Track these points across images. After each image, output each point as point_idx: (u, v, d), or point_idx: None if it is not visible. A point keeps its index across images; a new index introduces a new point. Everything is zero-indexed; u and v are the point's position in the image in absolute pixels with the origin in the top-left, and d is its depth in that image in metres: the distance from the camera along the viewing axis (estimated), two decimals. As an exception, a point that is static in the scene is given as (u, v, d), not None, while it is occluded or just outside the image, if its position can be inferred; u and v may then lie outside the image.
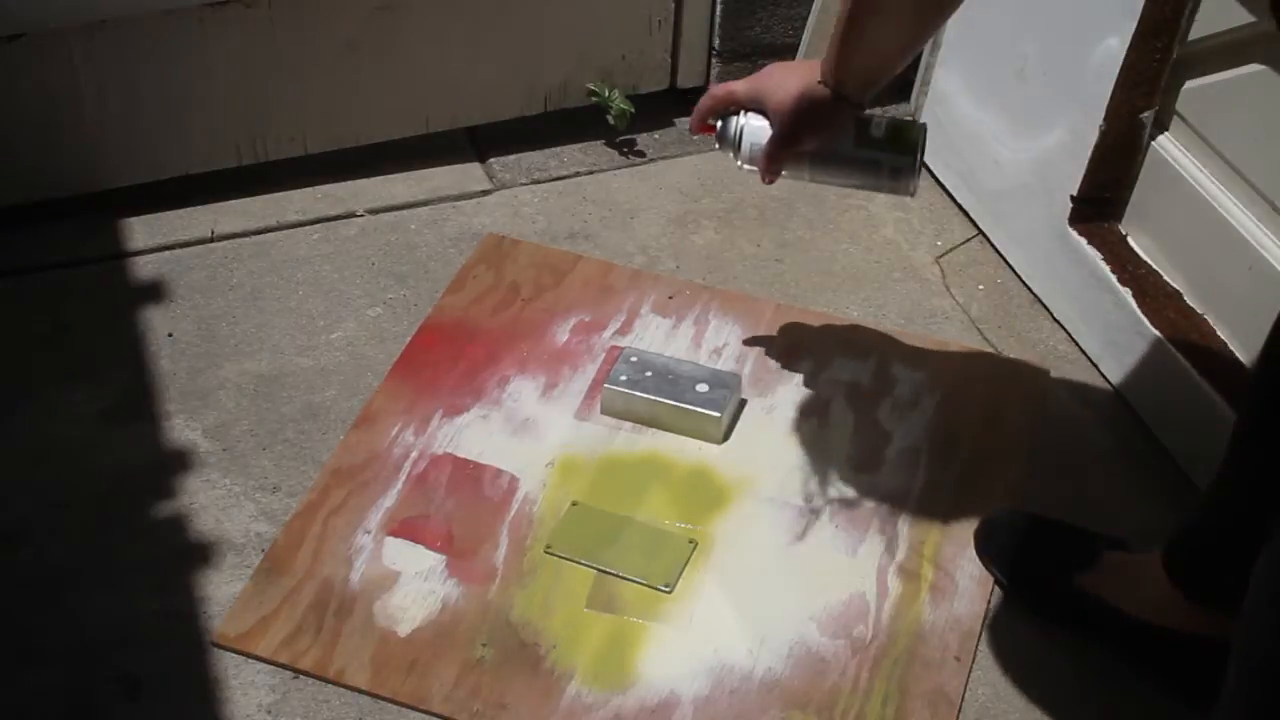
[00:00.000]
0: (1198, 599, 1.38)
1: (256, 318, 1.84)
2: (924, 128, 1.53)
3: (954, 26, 1.95)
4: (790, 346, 1.81)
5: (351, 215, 2.01)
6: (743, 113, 1.54)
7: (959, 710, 1.43)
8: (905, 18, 1.34)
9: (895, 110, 2.11)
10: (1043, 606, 1.51)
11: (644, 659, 1.45)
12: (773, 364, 1.78)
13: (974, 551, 1.56)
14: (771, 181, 1.56)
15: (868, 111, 1.49)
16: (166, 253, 1.93)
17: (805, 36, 2.18)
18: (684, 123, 2.21)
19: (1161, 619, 1.41)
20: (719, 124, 1.56)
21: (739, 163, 1.56)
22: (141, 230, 1.95)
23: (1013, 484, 1.63)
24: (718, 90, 1.54)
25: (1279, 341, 1.25)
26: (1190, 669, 1.39)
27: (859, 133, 1.51)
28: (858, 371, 1.77)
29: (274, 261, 1.93)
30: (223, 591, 1.51)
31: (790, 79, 1.47)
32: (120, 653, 1.45)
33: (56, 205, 1.93)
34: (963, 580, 1.54)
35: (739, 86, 1.52)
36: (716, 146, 1.57)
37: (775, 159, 1.51)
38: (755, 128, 1.52)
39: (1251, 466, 1.29)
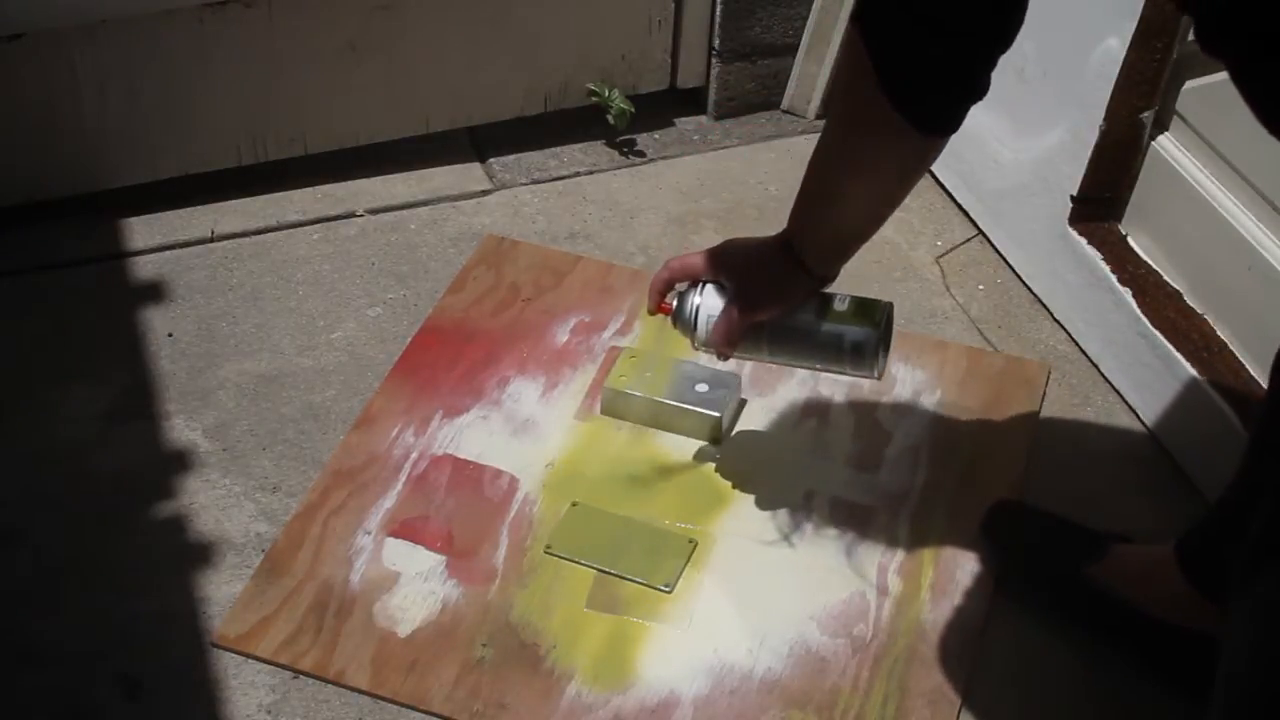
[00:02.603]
0: (1212, 595, 1.37)
1: (256, 318, 1.84)
2: (889, 306, 1.44)
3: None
4: (790, 346, 1.80)
5: (351, 215, 2.01)
6: (700, 288, 1.44)
7: (959, 710, 1.43)
8: (859, 198, 1.32)
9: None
10: (1049, 596, 1.51)
11: (644, 659, 1.45)
12: (773, 365, 1.78)
13: (974, 550, 1.56)
14: (726, 358, 1.48)
15: (831, 289, 1.42)
16: (166, 253, 1.93)
17: (805, 37, 2.18)
18: (684, 122, 2.22)
19: (1171, 614, 1.41)
20: (675, 301, 1.46)
21: (695, 345, 1.46)
22: (141, 230, 1.95)
23: (1013, 484, 1.63)
24: (674, 262, 1.45)
25: None
26: (1196, 666, 1.39)
27: (820, 307, 1.42)
28: (858, 371, 1.77)
29: (274, 261, 1.93)
30: (223, 592, 1.51)
31: (750, 247, 1.41)
32: (120, 653, 1.45)
33: (56, 205, 1.93)
34: (963, 579, 1.54)
35: (696, 258, 1.43)
36: (673, 326, 1.47)
37: (732, 329, 1.41)
38: (713, 304, 1.43)
39: (1270, 463, 1.28)
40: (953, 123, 1.23)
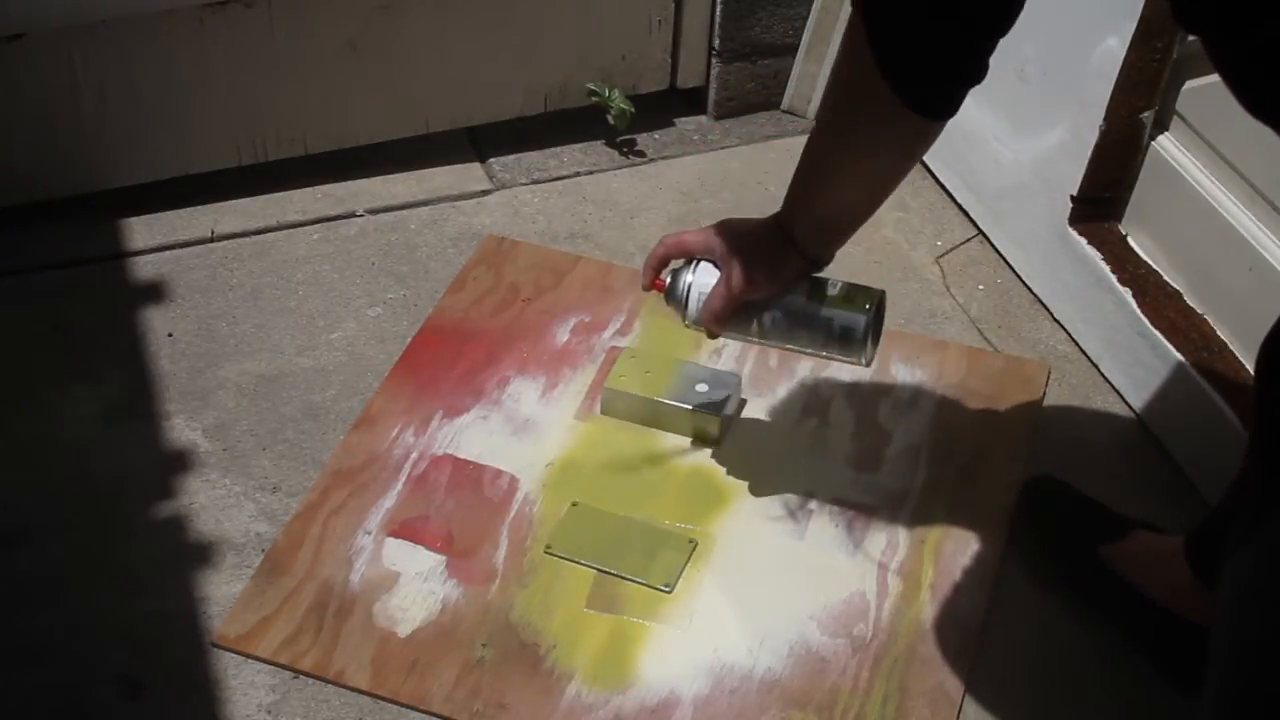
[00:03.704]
0: (1215, 589, 1.38)
1: (256, 318, 1.84)
2: (881, 294, 1.45)
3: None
4: (790, 346, 1.81)
5: (351, 215, 2.01)
6: (694, 266, 1.45)
7: (959, 709, 1.43)
8: (855, 180, 1.33)
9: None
10: (1063, 571, 1.53)
11: (644, 659, 1.45)
12: (773, 364, 1.78)
13: (975, 550, 1.56)
14: (715, 336, 1.49)
15: (824, 275, 1.43)
16: (166, 253, 1.93)
17: (805, 37, 2.18)
18: (684, 122, 2.22)
19: (1175, 604, 1.42)
20: (668, 279, 1.47)
21: (685, 322, 1.47)
22: (141, 230, 1.95)
23: (1013, 484, 1.63)
24: (669, 239, 1.46)
25: None
26: (1193, 658, 1.39)
27: (811, 290, 1.42)
28: (858, 371, 1.77)
29: (274, 261, 1.93)
30: (223, 591, 1.51)
31: (744, 227, 1.42)
32: (120, 653, 1.45)
33: (56, 205, 1.93)
34: (963, 580, 1.54)
35: (690, 235, 1.45)
36: (666, 303, 1.48)
37: (722, 307, 1.42)
38: (705, 282, 1.43)
39: (1275, 459, 1.28)
40: (950, 106, 1.23)
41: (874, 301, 1.43)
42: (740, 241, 1.41)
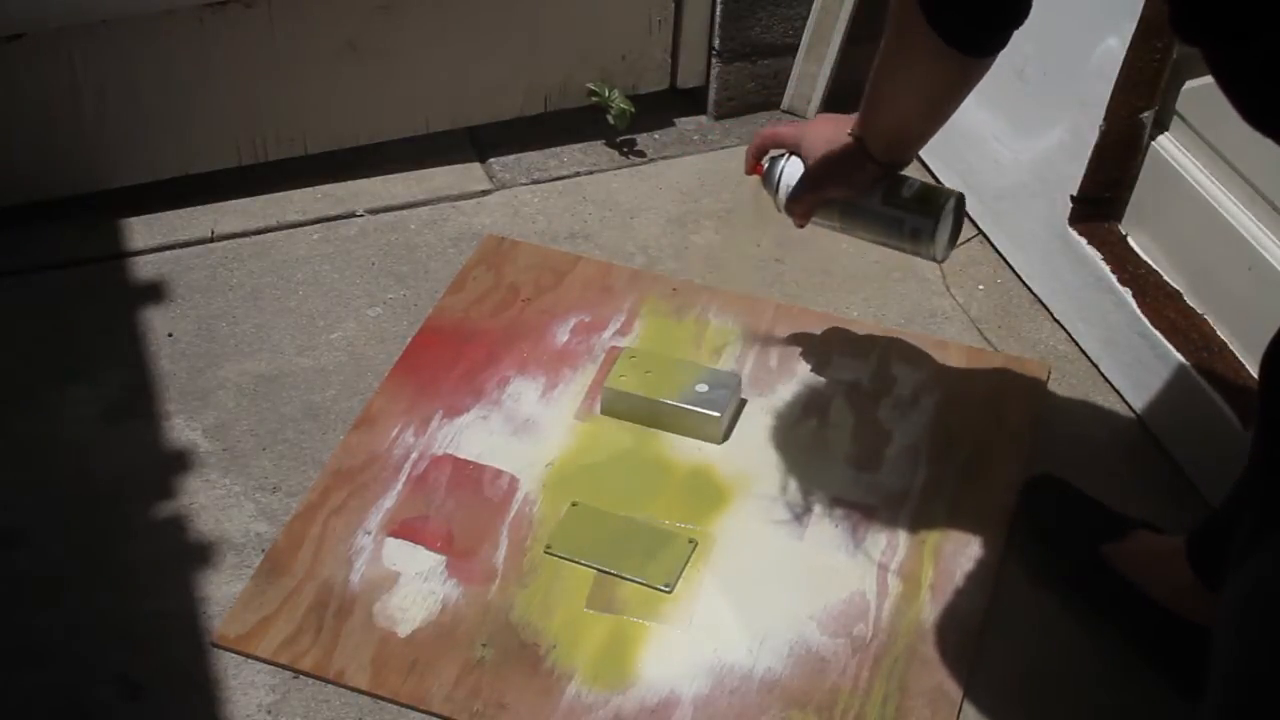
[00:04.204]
0: (1216, 590, 1.38)
1: (256, 318, 1.84)
2: (958, 197, 1.54)
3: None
4: (790, 346, 1.80)
5: (351, 215, 2.01)
6: (787, 159, 1.58)
7: (959, 709, 1.43)
8: (911, 105, 1.40)
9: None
10: (1065, 570, 1.53)
11: (644, 659, 1.45)
12: (773, 364, 1.78)
13: (975, 550, 1.56)
14: (801, 225, 1.60)
15: (905, 173, 1.53)
16: (166, 253, 1.93)
17: (805, 37, 2.18)
18: (684, 122, 2.22)
19: (1175, 604, 1.42)
20: (766, 165, 1.60)
21: (778, 208, 1.60)
22: (141, 230, 1.95)
23: (1013, 484, 1.63)
24: (765, 130, 1.60)
25: None
26: (1193, 658, 1.39)
27: (888, 190, 1.52)
28: (858, 371, 1.77)
29: (274, 261, 1.93)
30: (223, 591, 1.51)
31: (826, 128, 1.51)
32: (120, 653, 1.45)
33: (56, 205, 1.93)
34: (963, 579, 1.54)
35: (785, 129, 1.57)
36: (764, 187, 1.61)
37: (802, 203, 1.55)
38: (794, 174, 1.56)
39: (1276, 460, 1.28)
40: (992, 44, 1.27)
41: (946, 202, 1.52)
42: (823, 145, 1.50)
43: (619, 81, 2.13)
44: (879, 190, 1.52)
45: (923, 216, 1.52)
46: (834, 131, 1.50)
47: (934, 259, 1.56)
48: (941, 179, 2.06)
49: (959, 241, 1.59)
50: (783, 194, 1.58)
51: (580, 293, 1.88)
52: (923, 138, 1.47)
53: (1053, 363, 1.81)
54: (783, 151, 1.59)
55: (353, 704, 1.42)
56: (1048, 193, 1.83)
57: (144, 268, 1.91)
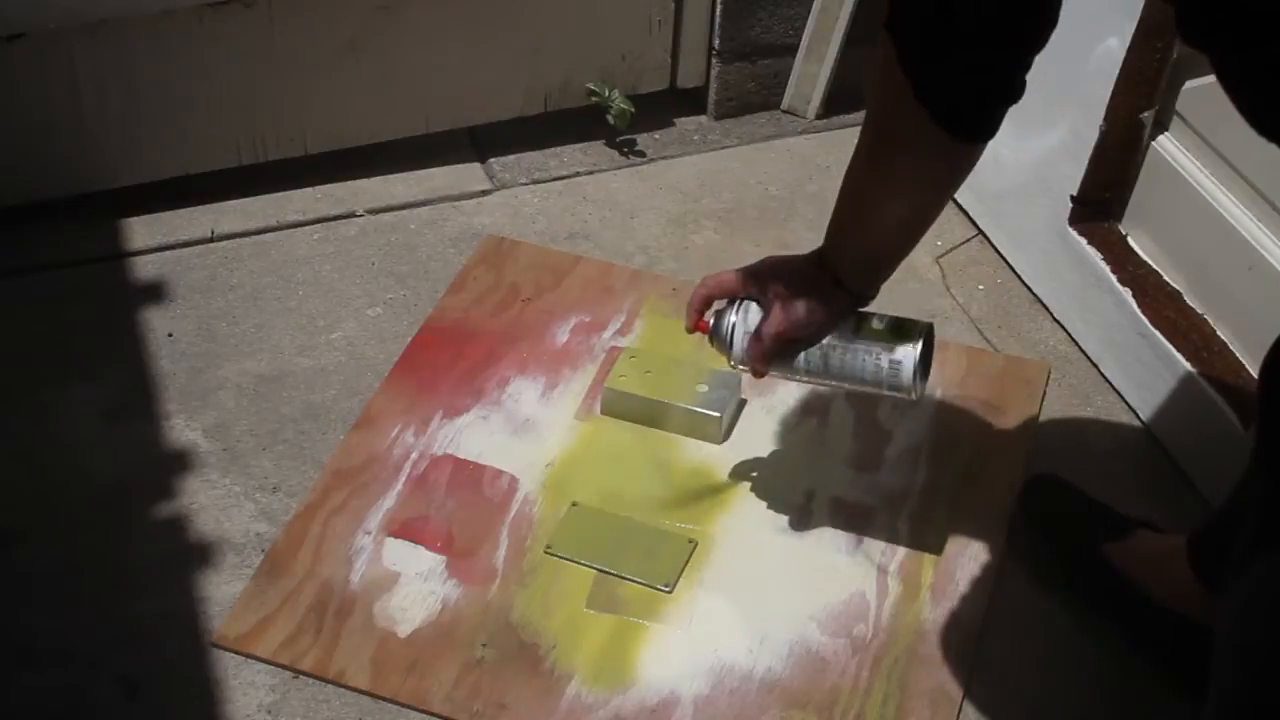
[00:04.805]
0: (1217, 590, 1.38)
1: (256, 318, 1.84)
2: (929, 327, 1.40)
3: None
4: (790, 346, 1.80)
5: (351, 215, 2.01)
6: (737, 306, 1.41)
7: (959, 709, 1.43)
8: (895, 212, 1.30)
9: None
10: (1067, 569, 1.53)
11: (644, 659, 1.45)
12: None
13: (975, 550, 1.56)
14: (762, 376, 1.45)
15: (868, 309, 1.39)
16: (166, 253, 1.93)
17: (805, 37, 2.18)
18: (684, 122, 2.22)
19: (1176, 603, 1.42)
20: (712, 319, 1.43)
21: (730, 363, 1.43)
22: (141, 230, 1.95)
23: (1012, 484, 1.63)
24: (711, 279, 1.42)
25: None
26: (1193, 657, 1.39)
27: (856, 325, 1.38)
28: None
29: (274, 261, 1.93)
30: (223, 591, 1.51)
31: (786, 264, 1.39)
32: (120, 653, 1.45)
33: (56, 205, 1.93)
34: (963, 580, 1.54)
35: (732, 275, 1.41)
36: (710, 344, 1.44)
37: (768, 347, 1.38)
38: (749, 322, 1.40)
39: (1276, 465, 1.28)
40: (988, 128, 1.21)
41: (921, 335, 1.39)
42: (783, 280, 1.37)
43: (619, 81, 2.13)
44: (847, 327, 1.38)
45: (900, 348, 1.37)
46: (788, 265, 1.38)
47: (910, 398, 1.39)
48: (941, 179, 2.06)
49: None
50: (739, 343, 1.40)
51: (580, 293, 1.88)
52: (898, 256, 1.34)
53: (1053, 363, 1.81)
54: (725, 302, 1.42)
55: (353, 704, 1.42)
56: (1048, 193, 1.83)
57: (144, 268, 1.91)
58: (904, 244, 1.34)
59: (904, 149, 1.23)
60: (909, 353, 1.37)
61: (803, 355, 1.41)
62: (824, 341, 1.39)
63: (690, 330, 1.44)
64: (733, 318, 1.41)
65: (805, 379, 1.44)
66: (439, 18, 1.99)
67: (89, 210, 1.95)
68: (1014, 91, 1.19)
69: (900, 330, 1.39)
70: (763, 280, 1.39)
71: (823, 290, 1.35)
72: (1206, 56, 0.98)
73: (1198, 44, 0.97)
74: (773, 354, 1.39)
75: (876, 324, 1.39)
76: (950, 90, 1.17)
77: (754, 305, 1.40)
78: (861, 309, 1.39)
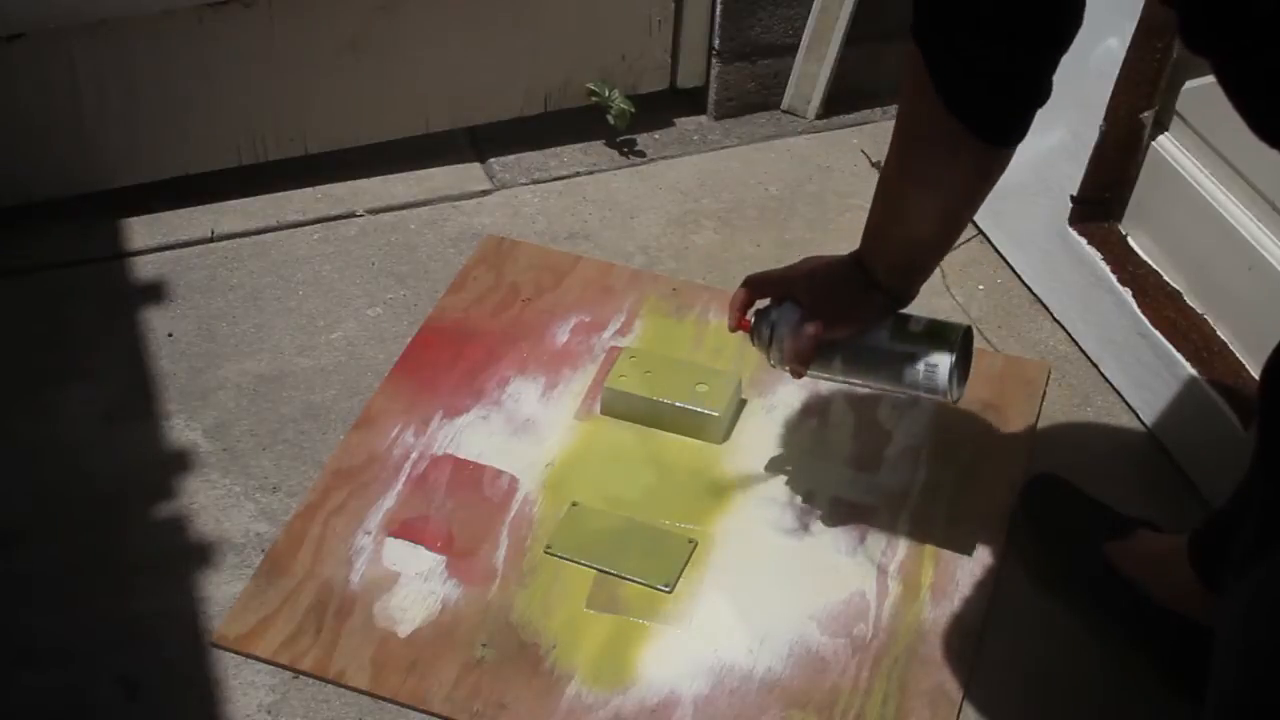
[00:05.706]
0: (1217, 590, 1.38)
1: (256, 318, 1.84)
2: (967, 329, 1.41)
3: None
4: (790, 346, 1.80)
5: (351, 215, 2.02)
6: (777, 306, 1.43)
7: (959, 709, 1.43)
8: (928, 216, 1.30)
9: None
10: (1067, 570, 1.53)
11: (644, 659, 1.45)
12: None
13: (974, 550, 1.56)
14: (800, 376, 1.46)
15: (907, 310, 1.40)
16: (166, 253, 1.93)
17: (805, 37, 2.18)
18: (684, 122, 2.22)
19: (1176, 603, 1.42)
20: (753, 318, 1.45)
21: (770, 362, 1.45)
22: (141, 230, 1.95)
23: (1013, 484, 1.63)
24: (751, 279, 1.45)
25: None
26: (1192, 657, 1.39)
27: (895, 327, 1.39)
28: (858, 371, 1.77)
29: (274, 261, 1.93)
30: (223, 591, 1.51)
31: (824, 266, 1.40)
32: (120, 653, 1.45)
33: (56, 205, 1.93)
34: (963, 579, 1.54)
35: (772, 275, 1.44)
36: (752, 343, 1.46)
37: (806, 348, 1.39)
38: (788, 323, 1.41)
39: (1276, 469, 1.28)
40: (1017, 131, 1.21)
41: (959, 337, 1.39)
42: (821, 282, 1.39)
43: (619, 81, 2.13)
44: (885, 328, 1.39)
45: (938, 351, 1.38)
46: (827, 266, 1.39)
47: (949, 400, 1.40)
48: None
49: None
50: (778, 344, 1.41)
51: (580, 293, 1.88)
52: (934, 258, 1.36)
53: (1053, 363, 1.81)
54: (766, 302, 1.44)
55: (353, 704, 1.42)
56: (1048, 193, 1.83)
57: (144, 268, 1.91)
58: (940, 245, 1.35)
59: (936, 155, 1.24)
60: (944, 357, 1.38)
61: (840, 356, 1.42)
62: (862, 343, 1.40)
63: (733, 329, 1.46)
64: (773, 317, 1.43)
65: (843, 379, 1.45)
66: (439, 18, 1.99)
67: (89, 210, 1.95)
68: (1043, 93, 1.19)
69: (938, 333, 1.40)
70: (803, 281, 1.40)
71: (861, 291, 1.37)
72: (1208, 61, 0.98)
73: (1201, 50, 0.97)
74: (812, 354, 1.40)
75: (915, 326, 1.40)
76: (981, 97, 1.17)
77: (793, 306, 1.41)
78: (901, 310, 1.40)
